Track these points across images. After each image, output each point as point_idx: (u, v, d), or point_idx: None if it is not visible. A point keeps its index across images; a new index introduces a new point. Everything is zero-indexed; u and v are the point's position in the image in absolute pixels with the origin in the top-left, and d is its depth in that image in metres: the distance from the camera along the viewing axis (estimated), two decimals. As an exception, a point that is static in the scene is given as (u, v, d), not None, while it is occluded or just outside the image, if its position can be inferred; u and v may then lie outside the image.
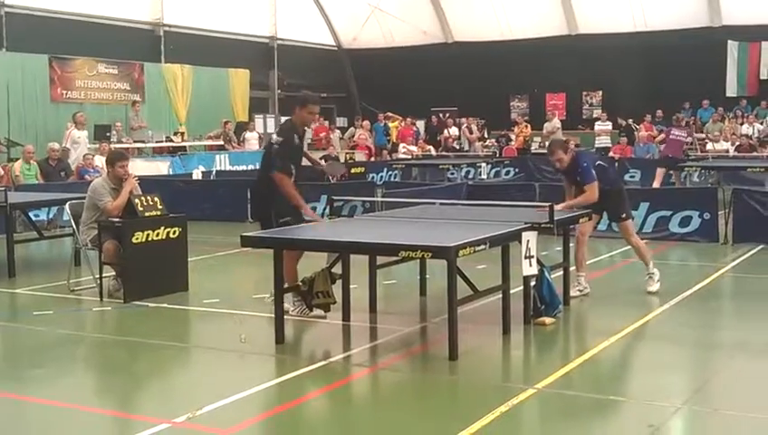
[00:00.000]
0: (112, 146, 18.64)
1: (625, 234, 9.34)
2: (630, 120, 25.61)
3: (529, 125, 27.73)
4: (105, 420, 5.80)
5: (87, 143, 19.22)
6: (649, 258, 9.24)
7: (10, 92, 20.33)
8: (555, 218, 7.65)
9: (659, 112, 25.28)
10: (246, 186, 16.40)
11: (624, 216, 9.18)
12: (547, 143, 22.20)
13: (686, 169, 18.25)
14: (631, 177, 20.78)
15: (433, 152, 25.31)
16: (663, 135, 19.71)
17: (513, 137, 27.39)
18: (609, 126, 26.06)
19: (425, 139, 27.63)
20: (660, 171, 18.19)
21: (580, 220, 8.77)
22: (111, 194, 9.43)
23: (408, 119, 27.61)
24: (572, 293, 8.97)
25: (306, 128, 8.74)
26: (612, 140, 25.44)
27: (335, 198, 9.32)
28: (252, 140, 24.94)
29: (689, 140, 19.72)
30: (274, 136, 8.31)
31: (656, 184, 17.69)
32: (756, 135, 23.99)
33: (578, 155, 9.04)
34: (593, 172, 8.72)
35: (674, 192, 15.07)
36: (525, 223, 7.50)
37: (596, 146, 24.97)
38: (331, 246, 7.44)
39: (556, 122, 26.18)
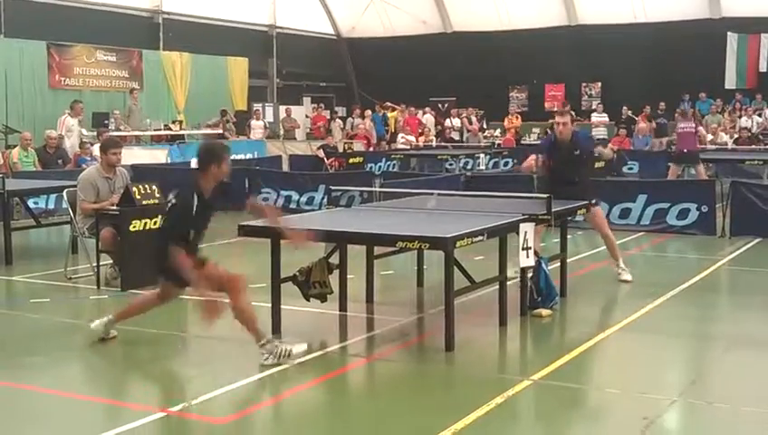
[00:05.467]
0: (111, 134, 18.59)
1: (600, 224, 9.47)
2: (629, 112, 25.59)
3: (519, 116, 27.69)
4: (101, 409, 5.81)
5: (83, 131, 19.17)
6: (619, 253, 9.52)
7: (8, 79, 20.26)
8: (553, 210, 7.66)
9: (662, 105, 25.25)
10: (245, 175, 16.50)
11: (594, 202, 9.33)
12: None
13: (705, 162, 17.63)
14: (630, 169, 20.78)
15: (434, 143, 25.31)
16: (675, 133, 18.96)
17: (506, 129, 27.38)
18: (605, 117, 26.03)
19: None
20: (674, 169, 17.22)
21: (578, 212, 8.81)
22: (99, 184, 9.46)
23: (412, 108, 27.54)
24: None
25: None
26: (609, 131, 25.41)
27: (333, 187, 9.34)
28: (257, 129, 24.93)
29: (699, 129, 18.98)
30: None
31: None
32: (756, 129, 23.95)
33: (578, 133, 9.65)
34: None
35: (672, 185, 15.04)
36: (523, 214, 7.50)
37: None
38: (329, 235, 7.43)
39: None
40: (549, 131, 24.06)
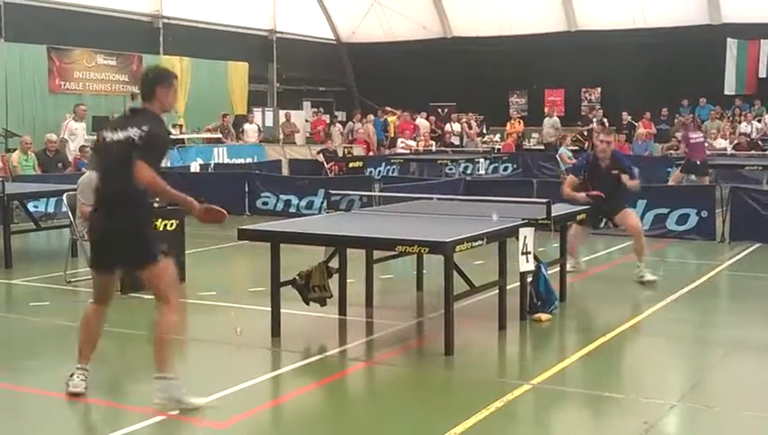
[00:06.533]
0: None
1: (635, 223, 9.65)
2: (629, 118, 25.63)
3: (522, 121, 27.72)
4: (100, 411, 5.80)
5: (84, 135, 19.20)
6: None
7: (8, 83, 20.26)
8: (553, 215, 7.67)
9: (665, 111, 25.28)
10: (244, 179, 16.53)
11: (627, 205, 9.65)
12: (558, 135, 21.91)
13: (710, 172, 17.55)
14: (629, 174, 20.73)
15: (433, 148, 25.32)
16: (681, 141, 18.93)
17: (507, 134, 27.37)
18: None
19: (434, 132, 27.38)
20: (678, 175, 17.14)
21: (577, 217, 8.83)
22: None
23: (406, 113, 27.53)
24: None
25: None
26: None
27: (333, 191, 9.34)
28: (251, 133, 24.87)
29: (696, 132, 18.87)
30: (134, 129, 5.57)
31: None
32: (756, 134, 23.96)
33: (619, 152, 9.83)
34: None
35: (672, 190, 15.05)
36: (523, 219, 7.51)
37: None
38: (329, 240, 7.44)
39: (556, 119, 26.20)
40: (580, 138, 24.00)
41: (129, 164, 5.48)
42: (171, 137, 22.73)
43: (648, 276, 9.48)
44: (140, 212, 5.68)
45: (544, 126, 26.06)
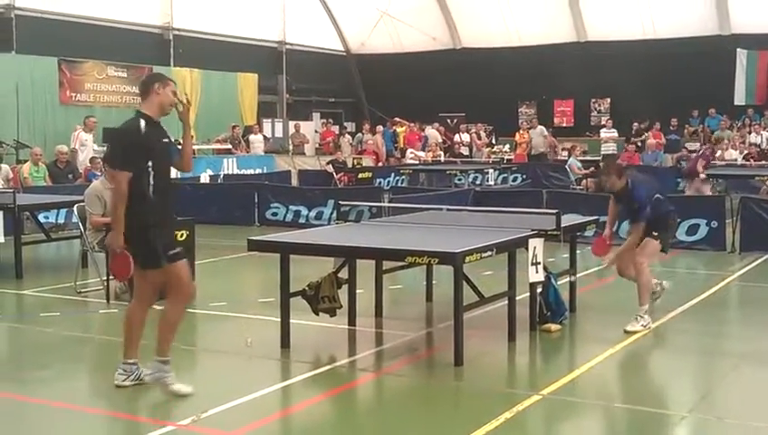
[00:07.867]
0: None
1: (640, 252, 8.09)
2: (641, 127, 25.60)
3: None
4: (110, 422, 5.81)
5: (94, 146, 19.28)
6: (647, 298, 8.02)
7: (19, 95, 20.34)
8: (562, 225, 7.66)
9: (674, 121, 25.24)
10: (254, 189, 16.57)
11: (656, 234, 8.06)
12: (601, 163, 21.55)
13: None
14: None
15: (442, 158, 25.32)
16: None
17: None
18: (614, 133, 26.03)
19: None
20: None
21: (587, 227, 8.80)
22: (105, 197, 9.45)
23: (414, 124, 27.56)
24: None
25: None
26: (618, 147, 25.39)
27: (342, 202, 9.36)
28: (257, 143, 24.92)
29: (701, 151, 18.90)
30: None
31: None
32: (766, 144, 23.89)
33: (635, 184, 8.16)
34: (648, 210, 8.00)
35: (681, 200, 15.01)
36: (532, 230, 7.50)
37: (601, 152, 24.90)
38: (338, 250, 7.45)
39: (542, 128, 26.05)
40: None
41: None
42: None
43: (632, 326, 7.80)
44: (132, 212, 5.88)
45: (533, 136, 25.94)
